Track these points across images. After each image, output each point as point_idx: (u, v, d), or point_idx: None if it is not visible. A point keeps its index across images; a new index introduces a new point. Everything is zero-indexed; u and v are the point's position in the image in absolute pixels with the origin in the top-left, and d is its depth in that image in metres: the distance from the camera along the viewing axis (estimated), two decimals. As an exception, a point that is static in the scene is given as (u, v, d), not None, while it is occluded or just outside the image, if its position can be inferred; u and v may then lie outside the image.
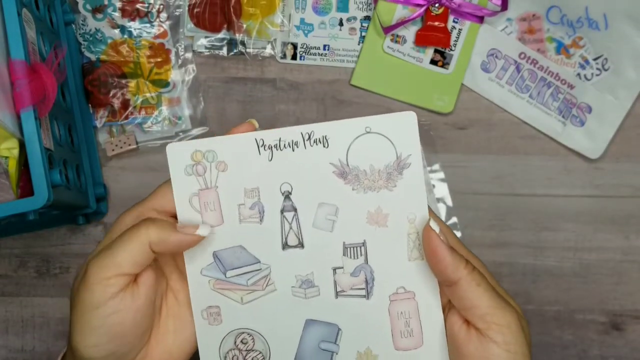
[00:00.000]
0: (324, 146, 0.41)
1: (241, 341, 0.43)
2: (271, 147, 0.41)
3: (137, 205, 0.43)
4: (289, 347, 0.43)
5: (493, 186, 0.67)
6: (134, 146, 0.66)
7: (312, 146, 0.41)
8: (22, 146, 0.51)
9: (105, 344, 0.38)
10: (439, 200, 0.66)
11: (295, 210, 0.42)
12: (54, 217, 0.62)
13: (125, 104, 0.66)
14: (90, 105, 0.66)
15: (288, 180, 0.42)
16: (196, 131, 0.67)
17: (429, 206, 0.42)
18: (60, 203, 0.53)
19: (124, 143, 0.66)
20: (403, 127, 0.41)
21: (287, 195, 0.42)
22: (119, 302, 0.38)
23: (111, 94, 0.66)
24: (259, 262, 0.42)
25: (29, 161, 0.50)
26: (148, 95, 0.66)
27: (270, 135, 0.41)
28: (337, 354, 0.43)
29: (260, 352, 0.43)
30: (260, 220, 0.42)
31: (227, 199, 0.42)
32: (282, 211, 0.42)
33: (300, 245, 0.42)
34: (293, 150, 0.41)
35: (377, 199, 0.41)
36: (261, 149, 0.41)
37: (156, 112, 0.66)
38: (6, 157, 0.51)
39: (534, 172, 0.67)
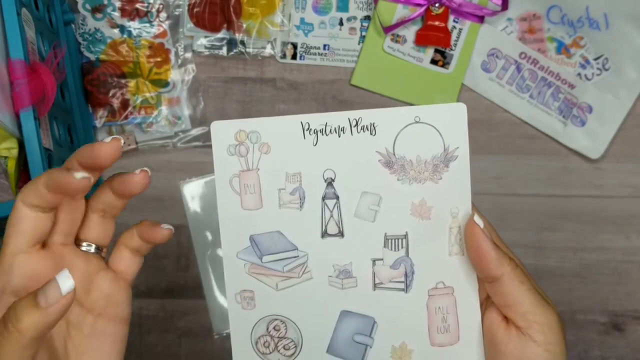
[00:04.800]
0: (371, 134, 0.40)
1: (274, 328, 0.42)
2: (317, 132, 0.40)
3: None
4: (322, 337, 0.42)
5: (493, 186, 0.67)
6: (134, 146, 0.66)
7: (358, 133, 0.40)
8: (21, 146, 0.51)
9: None
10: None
11: (337, 198, 0.41)
12: (53, 218, 0.62)
13: (124, 104, 0.66)
14: (89, 105, 0.66)
15: (332, 166, 0.40)
16: (196, 131, 0.67)
17: (472, 201, 0.41)
18: (59, 203, 0.53)
19: (124, 143, 0.66)
20: (452, 119, 0.40)
21: (329, 182, 0.41)
22: None
23: (111, 94, 0.66)
24: (297, 249, 0.41)
25: (28, 161, 0.50)
26: (147, 95, 0.66)
27: (317, 119, 0.40)
28: (371, 347, 0.41)
29: (292, 341, 0.42)
30: (300, 207, 0.41)
31: (267, 183, 0.41)
32: (323, 198, 0.41)
33: (340, 234, 0.41)
34: (339, 136, 0.40)
35: (422, 191, 0.40)
36: (306, 132, 0.40)
37: (156, 112, 0.66)
38: (5, 157, 0.51)
39: (534, 172, 0.67)
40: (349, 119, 0.40)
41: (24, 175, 0.52)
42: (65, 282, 0.32)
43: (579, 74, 0.67)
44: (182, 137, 0.67)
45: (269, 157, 0.40)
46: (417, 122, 0.40)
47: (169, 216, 0.66)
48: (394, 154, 0.40)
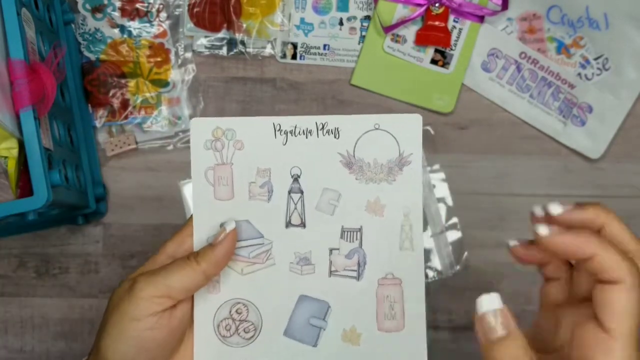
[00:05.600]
0: (335, 137, 0.45)
1: (236, 311, 0.45)
2: (286, 132, 0.45)
3: (177, 234, 0.46)
4: (281, 320, 0.45)
5: (493, 186, 0.67)
6: (134, 146, 0.66)
7: (324, 135, 0.45)
8: (21, 146, 0.51)
9: (133, 355, 0.41)
10: (439, 200, 0.66)
11: (301, 192, 0.45)
12: (53, 217, 0.62)
13: (124, 104, 0.66)
14: (89, 105, 0.66)
15: (298, 164, 0.45)
16: (196, 131, 0.67)
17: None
18: (59, 203, 0.53)
19: (124, 143, 0.66)
20: (408, 128, 0.44)
21: (295, 178, 0.45)
22: (157, 320, 0.41)
23: (111, 94, 0.66)
24: (263, 237, 0.45)
25: (29, 161, 0.50)
26: (148, 95, 0.66)
27: (287, 121, 0.45)
28: (324, 330, 0.45)
29: (253, 324, 0.45)
30: (268, 199, 0.45)
31: (239, 176, 0.45)
32: (289, 192, 0.45)
33: (303, 225, 0.45)
34: (306, 137, 0.45)
35: (377, 190, 0.45)
36: (277, 133, 0.45)
37: (156, 112, 0.66)
38: (5, 157, 0.51)
39: (534, 172, 0.67)
40: (316, 122, 0.45)
41: (23, 175, 0.52)
42: (229, 224, 0.43)
43: (579, 74, 0.67)
44: (182, 137, 0.67)
45: (242, 152, 0.45)
46: (376, 128, 0.45)
47: (169, 216, 0.66)
48: (354, 156, 0.45)
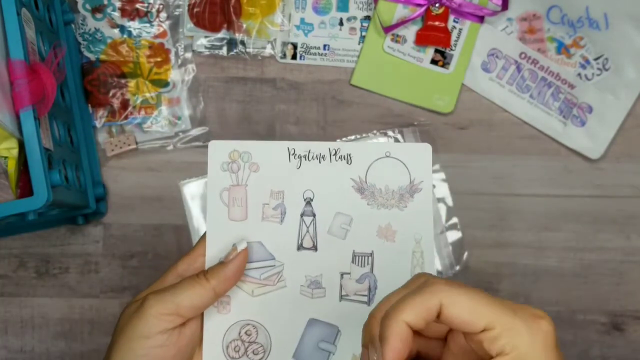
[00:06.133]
0: (347, 162, 0.46)
1: (245, 332, 0.45)
2: (300, 157, 0.46)
3: (188, 253, 0.46)
4: (290, 343, 0.45)
5: (493, 186, 0.67)
6: (134, 146, 0.66)
7: (337, 161, 0.46)
8: (21, 146, 0.51)
9: None
10: (439, 200, 0.66)
11: (314, 215, 0.46)
12: (53, 217, 0.62)
13: (124, 104, 0.66)
14: (89, 105, 0.66)
15: (311, 188, 0.46)
16: (196, 131, 0.67)
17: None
18: (59, 203, 0.53)
19: (124, 143, 0.66)
20: (419, 156, 0.46)
21: (308, 201, 0.46)
22: (166, 338, 0.41)
23: (111, 94, 0.66)
24: (274, 259, 0.45)
25: (29, 161, 0.50)
26: (148, 95, 0.66)
27: (301, 146, 0.46)
28: (334, 354, 0.45)
29: (262, 346, 0.45)
30: (281, 221, 0.46)
31: (254, 198, 0.46)
32: (302, 215, 0.46)
33: (314, 248, 0.46)
34: (320, 162, 0.46)
35: (388, 216, 0.45)
36: (292, 157, 0.46)
37: (156, 112, 0.66)
38: (5, 157, 0.51)
39: (534, 172, 0.67)
40: (329, 148, 0.46)
41: (23, 176, 0.52)
42: (241, 244, 0.43)
43: (579, 74, 0.67)
44: (182, 137, 0.67)
45: (257, 175, 0.46)
46: (387, 156, 0.46)
47: (169, 216, 0.66)
48: (366, 182, 0.46)
